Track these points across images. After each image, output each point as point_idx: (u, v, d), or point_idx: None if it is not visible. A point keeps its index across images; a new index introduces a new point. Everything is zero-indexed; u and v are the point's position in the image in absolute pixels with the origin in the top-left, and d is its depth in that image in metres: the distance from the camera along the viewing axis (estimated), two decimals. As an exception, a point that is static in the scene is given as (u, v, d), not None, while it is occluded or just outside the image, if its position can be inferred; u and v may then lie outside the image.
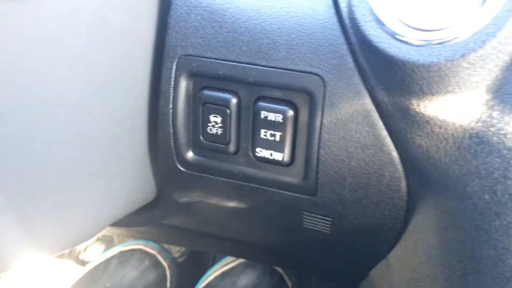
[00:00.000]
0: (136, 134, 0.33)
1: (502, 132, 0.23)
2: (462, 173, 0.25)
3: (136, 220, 0.41)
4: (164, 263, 0.82)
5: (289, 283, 0.75)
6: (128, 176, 0.34)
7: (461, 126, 0.25)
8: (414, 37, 0.24)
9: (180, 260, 0.87)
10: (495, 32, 0.23)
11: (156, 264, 0.81)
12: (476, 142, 0.24)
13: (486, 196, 0.24)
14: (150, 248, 0.82)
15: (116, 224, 0.41)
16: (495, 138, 0.24)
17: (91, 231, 0.33)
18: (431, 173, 0.27)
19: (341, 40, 0.27)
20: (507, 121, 0.23)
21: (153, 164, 0.35)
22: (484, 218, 0.24)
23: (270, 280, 0.75)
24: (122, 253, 0.82)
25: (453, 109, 0.25)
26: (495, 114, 0.24)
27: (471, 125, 0.24)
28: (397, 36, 0.25)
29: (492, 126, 0.24)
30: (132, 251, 0.82)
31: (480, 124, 0.24)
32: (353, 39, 0.27)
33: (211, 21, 0.30)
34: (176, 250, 0.87)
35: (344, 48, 0.27)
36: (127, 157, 0.33)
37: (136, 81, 0.31)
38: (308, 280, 0.74)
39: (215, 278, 0.78)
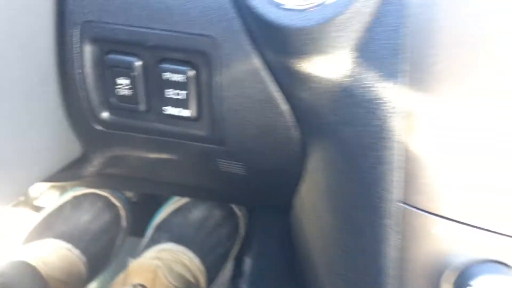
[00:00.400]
0: (49, 100, 0.36)
1: (366, 85, 0.28)
2: (337, 121, 0.30)
3: (68, 175, 0.45)
4: (118, 204, 0.87)
5: (238, 213, 0.83)
6: (50, 137, 0.37)
7: (334, 81, 0.29)
8: (288, 2, 0.28)
9: (134, 199, 0.93)
10: (355, -4, 0.27)
11: (110, 205, 0.86)
12: (346, 95, 0.29)
13: (355, 141, 0.29)
14: (102, 191, 0.87)
15: (49, 179, 0.45)
16: (360, 91, 0.28)
17: (20, 189, 0.37)
18: (315, 122, 0.32)
19: (229, 4, 0.30)
20: (369, 76, 0.28)
21: (72, 125, 0.38)
22: (354, 160, 0.30)
23: (220, 212, 0.82)
24: (75, 197, 0.86)
25: (327, 66, 0.29)
26: (360, 70, 0.28)
27: (342, 80, 0.29)
28: (273, 1, 0.28)
29: (358, 80, 0.28)
30: (85, 195, 0.86)
31: (349, 79, 0.29)
32: (240, 4, 0.30)
33: (106, -15, 0.32)
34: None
35: (232, 12, 0.30)
36: (45, 120, 0.36)
37: (41, 50, 0.33)
38: (257, 209, 0.82)
39: (168, 214, 0.84)
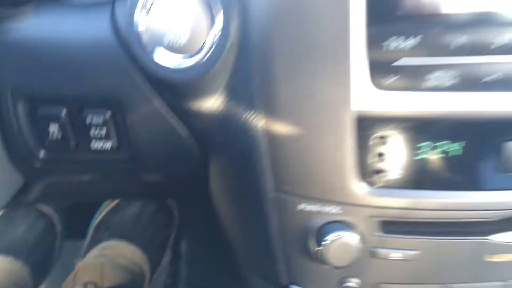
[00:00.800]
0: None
1: (236, 116, 0.42)
2: (223, 142, 0.45)
3: (13, 203, 0.56)
4: (49, 212, 0.96)
5: (171, 204, 0.97)
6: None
7: (215, 114, 0.43)
8: (170, 64, 0.41)
9: (65, 205, 1.02)
10: (219, 55, 0.40)
11: (41, 215, 0.95)
12: (225, 123, 0.43)
13: (238, 154, 0.44)
14: (32, 202, 0.95)
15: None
16: (234, 120, 0.43)
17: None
18: (208, 142, 0.46)
19: (128, 63, 0.43)
20: (237, 109, 0.42)
21: (14, 164, 0.50)
22: (239, 167, 0.45)
23: (154, 205, 0.95)
24: (6, 212, 0.93)
25: (208, 104, 0.43)
26: (231, 105, 0.42)
27: (221, 113, 0.43)
28: (160, 65, 0.41)
29: (231, 112, 0.43)
30: (15, 208, 0.94)
31: (225, 111, 0.43)
32: (138, 64, 0.42)
33: (28, 56, 0.43)
34: (61, 197, 1.01)
35: (133, 70, 0.43)
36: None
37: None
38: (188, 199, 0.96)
39: (106, 214, 0.96)
